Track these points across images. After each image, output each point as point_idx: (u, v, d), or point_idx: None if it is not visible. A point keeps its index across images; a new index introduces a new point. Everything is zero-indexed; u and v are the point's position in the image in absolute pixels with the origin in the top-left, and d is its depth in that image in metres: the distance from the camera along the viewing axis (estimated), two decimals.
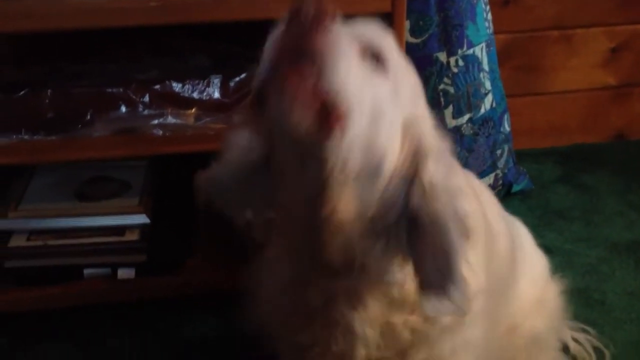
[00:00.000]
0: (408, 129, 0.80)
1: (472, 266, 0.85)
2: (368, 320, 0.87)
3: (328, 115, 0.74)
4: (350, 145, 0.76)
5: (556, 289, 1.20)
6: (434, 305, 0.80)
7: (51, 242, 1.37)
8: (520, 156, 1.91)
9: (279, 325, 0.95)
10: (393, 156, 0.79)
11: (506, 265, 1.07)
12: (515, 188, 1.84)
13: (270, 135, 0.83)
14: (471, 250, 0.86)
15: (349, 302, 0.87)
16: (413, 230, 0.80)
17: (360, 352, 0.89)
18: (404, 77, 0.83)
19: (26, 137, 1.30)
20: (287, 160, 0.81)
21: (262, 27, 1.31)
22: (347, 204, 0.80)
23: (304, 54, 0.72)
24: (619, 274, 1.57)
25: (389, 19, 1.24)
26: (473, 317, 0.89)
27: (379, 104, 0.77)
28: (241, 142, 0.88)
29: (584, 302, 1.46)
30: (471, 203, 0.90)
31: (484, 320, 0.94)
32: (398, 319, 0.87)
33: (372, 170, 0.79)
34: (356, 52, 0.76)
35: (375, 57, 0.78)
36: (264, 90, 0.75)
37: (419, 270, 0.80)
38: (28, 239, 1.38)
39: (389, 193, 0.80)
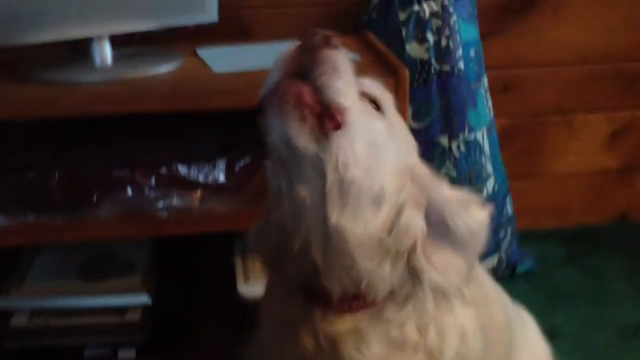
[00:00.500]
0: (408, 173, 0.84)
1: (465, 310, 0.89)
2: (376, 358, 0.87)
3: (327, 118, 0.77)
4: (349, 151, 0.78)
5: None
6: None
7: (53, 322, 1.37)
8: (523, 237, 1.91)
9: None
10: (390, 191, 0.81)
11: (502, 341, 1.06)
12: (520, 270, 1.84)
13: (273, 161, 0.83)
14: (467, 315, 0.90)
15: (354, 344, 0.87)
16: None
17: None
18: (400, 128, 0.86)
19: (32, 218, 1.32)
20: (287, 178, 0.81)
21: None
22: (349, 220, 0.80)
23: (308, 67, 0.77)
24: (627, 358, 1.55)
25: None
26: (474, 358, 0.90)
27: (377, 132, 0.80)
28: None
29: None
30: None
31: None
32: (402, 359, 0.87)
33: (370, 194, 0.80)
34: (357, 91, 0.81)
35: (373, 102, 0.83)
36: (268, 101, 0.79)
37: None
38: (30, 319, 1.38)
39: (401, 221, 0.83)
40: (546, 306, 1.72)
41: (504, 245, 1.80)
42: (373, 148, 0.80)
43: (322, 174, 0.78)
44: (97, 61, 1.34)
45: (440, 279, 0.84)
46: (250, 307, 1.40)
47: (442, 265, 0.84)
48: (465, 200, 0.88)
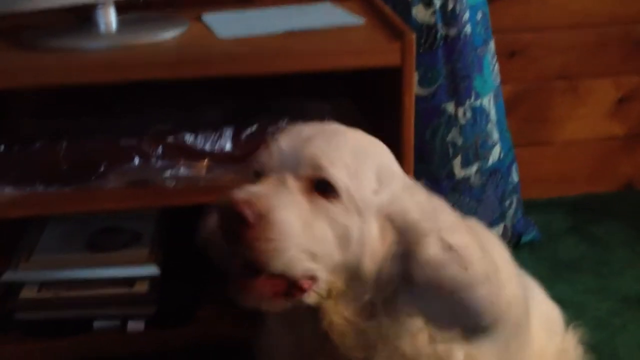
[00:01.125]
0: (385, 216, 0.83)
1: None
2: None
3: (294, 289, 0.80)
4: (325, 283, 0.81)
5: (574, 338, 1.20)
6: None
7: (62, 294, 1.37)
8: (528, 206, 1.91)
9: None
10: (374, 250, 0.82)
11: (518, 309, 1.06)
12: (524, 239, 1.84)
13: None
14: None
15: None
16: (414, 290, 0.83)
17: None
18: (361, 177, 0.83)
19: (40, 188, 1.32)
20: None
21: (273, 81, 1.35)
22: (343, 307, 0.84)
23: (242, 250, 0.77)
24: (631, 327, 1.55)
25: (398, 73, 1.26)
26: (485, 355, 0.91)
27: (340, 227, 0.80)
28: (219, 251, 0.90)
29: (595, 357, 1.44)
30: (466, 236, 0.92)
31: (496, 344, 0.94)
32: None
33: (356, 277, 0.83)
34: (300, 191, 0.80)
35: (322, 183, 0.81)
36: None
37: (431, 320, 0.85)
38: (39, 291, 1.38)
39: (383, 276, 0.83)
40: (550, 275, 1.72)
41: (509, 214, 1.80)
42: (344, 248, 0.81)
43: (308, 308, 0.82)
44: (102, 28, 1.32)
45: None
46: None
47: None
48: (433, 206, 0.87)
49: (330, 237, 0.79)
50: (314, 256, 0.79)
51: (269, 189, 0.79)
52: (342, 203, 0.80)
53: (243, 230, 0.75)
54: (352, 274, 0.82)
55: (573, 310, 1.57)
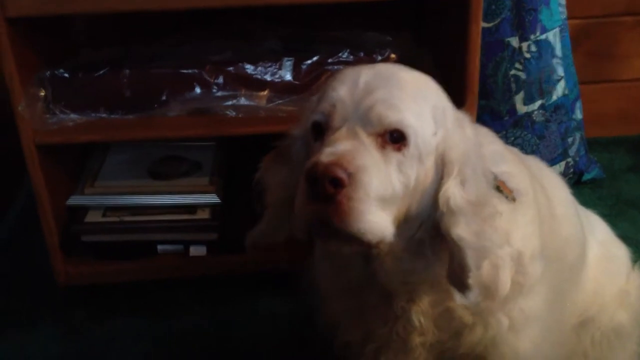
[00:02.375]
0: (437, 155, 0.84)
1: (523, 230, 0.89)
2: (425, 310, 0.91)
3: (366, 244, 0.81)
4: (390, 235, 0.82)
5: (639, 279, 1.18)
6: (460, 297, 0.85)
7: (126, 219, 1.41)
8: (590, 144, 1.87)
9: (339, 324, 0.99)
10: (426, 189, 0.84)
11: (572, 249, 1.06)
12: (586, 177, 1.81)
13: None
14: (521, 215, 0.90)
15: (408, 297, 0.90)
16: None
17: (417, 340, 0.92)
18: (424, 120, 0.84)
19: (104, 115, 1.34)
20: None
21: (334, 11, 1.33)
22: (394, 247, 0.85)
23: (332, 221, 0.78)
24: None
25: (465, 3, 1.23)
26: (531, 284, 0.91)
27: (405, 177, 0.82)
28: (277, 180, 0.93)
29: None
30: (513, 165, 0.93)
31: (545, 290, 0.94)
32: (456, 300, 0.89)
33: (410, 216, 0.84)
34: (374, 146, 0.81)
35: (393, 134, 0.81)
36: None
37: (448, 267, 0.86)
38: (104, 215, 1.42)
39: (425, 213, 0.85)
40: (613, 213, 1.70)
41: (572, 151, 1.76)
42: (407, 190, 0.82)
43: None
44: None
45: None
46: None
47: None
48: (478, 139, 0.88)
49: (398, 186, 0.81)
50: (385, 210, 0.80)
51: (350, 146, 0.79)
52: (409, 151, 0.81)
53: (337, 192, 0.77)
54: (406, 215, 0.83)
55: (636, 248, 1.55)
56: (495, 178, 0.89)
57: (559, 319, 1.03)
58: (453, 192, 0.83)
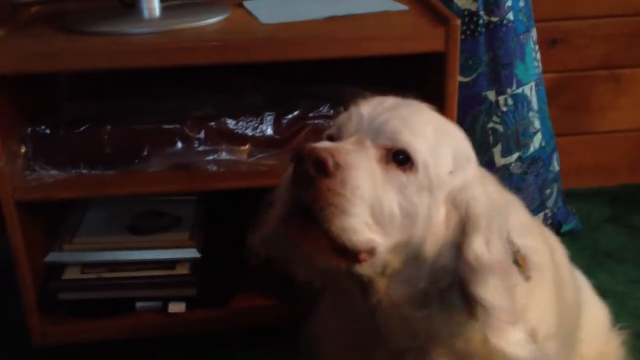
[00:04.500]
0: (452, 201, 0.80)
1: (541, 307, 0.85)
2: None
3: (351, 258, 0.77)
4: (382, 259, 0.78)
5: (617, 340, 1.17)
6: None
7: (104, 275, 1.39)
8: (568, 196, 1.89)
9: None
10: (437, 234, 0.79)
11: (572, 315, 1.04)
12: (565, 228, 1.82)
13: None
14: (539, 292, 0.86)
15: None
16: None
17: None
18: (440, 154, 0.81)
19: (84, 171, 1.33)
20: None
21: (314, 66, 1.35)
22: (395, 289, 0.81)
23: (310, 202, 0.74)
24: None
25: (442, 58, 1.25)
26: None
27: (409, 203, 0.77)
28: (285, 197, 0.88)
29: (637, 346, 1.42)
30: (537, 240, 0.90)
31: None
32: None
33: (414, 258, 0.80)
34: (376, 158, 0.78)
35: (399, 154, 0.78)
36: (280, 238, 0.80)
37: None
38: (82, 272, 1.40)
39: (439, 264, 0.80)
40: (591, 265, 1.71)
41: (550, 203, 1.78)
42: (408, 226, 0.78)
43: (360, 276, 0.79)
44: (145, 13, 1.34)
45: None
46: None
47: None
48: (504, 202, 0.85)
49: (397, 211, 0.76)
50: (376, 227, 0.76)
51: (349, 147, 0.76)
52: (416, 177, 0.77)
53: (318, 178, 0.73)
54: (411, 255, 0.79)
55: (615, 300, 1.56)
56: (518, 251, 0.85)
57: None
58: (481, 248, 0.78)
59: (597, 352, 1.14)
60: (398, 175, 0.77)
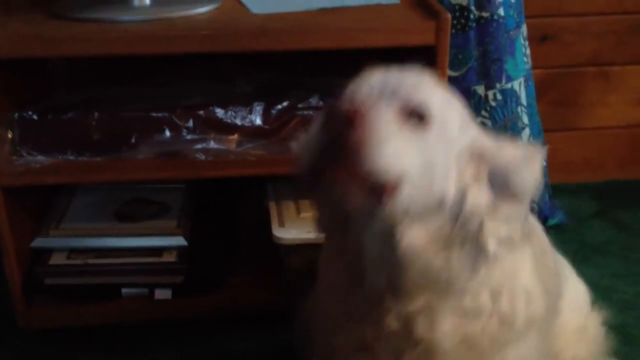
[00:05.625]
0: (468, 152, 0.84)
1: (530, 292, 0.89)
2: (447, 334, 0.88)
3: (379, 190, 0.78)
4: (407, 201, 0.80)
5: (598, 318, 1.20)
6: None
7: (91, 261, 1.39)
8: (555, 191, 1.90)
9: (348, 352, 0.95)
10: (453, 185, 0.83)
11: (554, 283, 1.06)
12: (550, 222, 1.83)
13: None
14: (526, 259, 0.91)
15: (428, 320, 0.88)
16: None
17: None
18: (450, 115, 0.84)
19: (71, 157, 1.33)
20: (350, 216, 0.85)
21: (307, 57, 1.35)
22: (418, 234, 0.82)
23: (344, 147, 0.76)
24: None
25: (432, 52, 1.26)
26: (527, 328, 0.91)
27: (427, 157, 0.80)
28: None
29: (622, 339, 1.43)
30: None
31: (536, 336, 0.95)
32: (476, 326, 0.88)
33: (435, 206, 0.82)
34: (394, 116, 0.79)
35: (415, 113, 0.81)
36: (313, 177, 0.81)
37: None
38: (68, 257, 1.40)
39: (456, 211, 0.83)
40: (577, 259, 1.71)
41: (536, 197, 1.78)
42: (427, 176, 0.81)
43: (385, 217, 0.81)
44: (136, 1, 1.33)
45: (505, 232, 0.84)
46: (285, 251, 1.42)
47: (506, 216, 0.84)
48: (524, 157, 0.86)
49: (417, 165, 0.79)
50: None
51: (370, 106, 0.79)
52: (431, 133, 0.80)
53: (348, 132, 0.76)
54: (432, 205, 0.82)
55: (600, 293, 1.57)
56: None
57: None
58: (486, 195, 0.83)
59: (577, 327, 1.16)
60: (414, 131, 0.80)
